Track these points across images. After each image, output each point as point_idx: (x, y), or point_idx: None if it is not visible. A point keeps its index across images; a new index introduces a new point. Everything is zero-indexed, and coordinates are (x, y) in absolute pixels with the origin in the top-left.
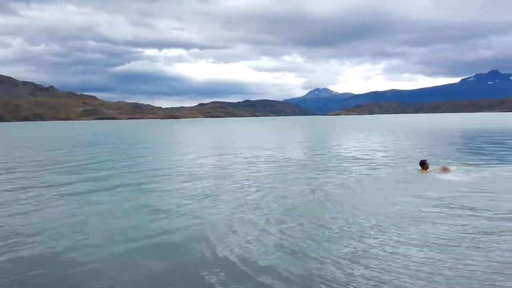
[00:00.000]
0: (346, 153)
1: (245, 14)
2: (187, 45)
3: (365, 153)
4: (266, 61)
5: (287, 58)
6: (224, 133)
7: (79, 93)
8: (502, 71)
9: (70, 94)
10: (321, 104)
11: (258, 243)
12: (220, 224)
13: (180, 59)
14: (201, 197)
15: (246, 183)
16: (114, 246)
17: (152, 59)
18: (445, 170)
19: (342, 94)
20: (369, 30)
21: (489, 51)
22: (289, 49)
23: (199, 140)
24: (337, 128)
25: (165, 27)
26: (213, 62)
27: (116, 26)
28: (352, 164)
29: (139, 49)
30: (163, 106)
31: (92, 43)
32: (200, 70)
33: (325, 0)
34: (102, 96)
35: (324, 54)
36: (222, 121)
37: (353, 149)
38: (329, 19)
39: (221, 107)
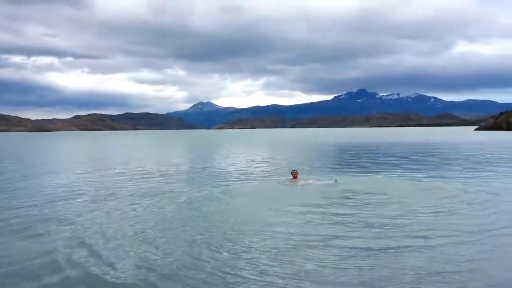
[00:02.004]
0: (225, 165)
1: (123, 24)
2: (59, 53)
3: (244, 165)
4: (147, 73)
5: (168, 71)
6: (98, 147)
7: None
8: (369, 90)
9: None
10: (204, 117)
11: (121, 260)
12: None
13: (51, 68)
14: (69, 218)
15: (118, 200)
16: None
17: (19, 66)
18: (310, 179)
19: (225, 108)
20: (249, 47)
21: (357, 71)
22: (171, 62)
23: (70, 155)
24: (219, 141)
25: (34, 33)
26: (89, 73)
27: None
28: (229, 176)
29: (5, 56)
30: (33, 118)
31: None
32: (74, 80)
33: (206, 15)
34: None
35: (207, 68)
36: (99, 135)
37: (232, 161)
38: (211, 34)
39: (99, 119)
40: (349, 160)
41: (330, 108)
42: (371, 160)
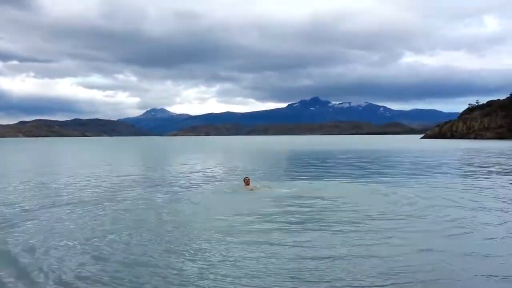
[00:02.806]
0: (177, 172)
1: (72, 28)
2: (3, 57)
3: (197, 172)
4: (97, 79)
5: (120, 76)
6: (43, 154)
7: None
8: (321, 98)
9: None
10: (157, 124)
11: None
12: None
13: None
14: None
15: (58, 209)
16: None
17: None
18: (263, 185)
19: (179, 115)
20: (203, 54)
21: (310, 80)
22: (122, 67)
23: (10, 162)
24: (172, 148)
25: None
26: (35, 77)
27: None
28: (181, 183)
29: None
30: None
31: None
32: (20, 84)
33: (159, 20)
34: None
35: (159, 74)
36: (46, 141)
37: (185, 168)
38: (164, 39)
39: (47, 125)
40: (301, 167)
41: (284, 115)
42: (323, 167)
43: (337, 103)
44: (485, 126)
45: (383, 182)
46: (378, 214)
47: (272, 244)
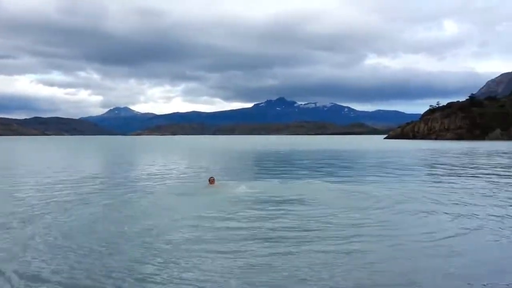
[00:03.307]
0: (141, 171)
1: (31, 23)
2: None
3: (162, 171)
4: (57, 76)
5: (81, 73)
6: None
7: None
8: (287, 99)
9: None
10: (121, 123)
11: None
12: None
13: None
14: None
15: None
16: None
17: None
18: (227, 185)
19: (143, 114)
20: (167, 52)
21: (275, 80)
22: (84, 64)
23: None
24: (137, 148)
25: None
26: None
27: None
28: (145, 182)
29: None
30: None
31: None
32: None
33: (122, 17)
34: None
35: (123, 72)
36: (3, 140)
37: (149, 168)
38: (127, 37)
39: (4, 124)
40: (267, 166)
41: (250, 115)
42: (288, 167)
43: (303, 103)
44: (445, 127)
45: (351, 181)
46: (342, 211)
47: (235, 243)
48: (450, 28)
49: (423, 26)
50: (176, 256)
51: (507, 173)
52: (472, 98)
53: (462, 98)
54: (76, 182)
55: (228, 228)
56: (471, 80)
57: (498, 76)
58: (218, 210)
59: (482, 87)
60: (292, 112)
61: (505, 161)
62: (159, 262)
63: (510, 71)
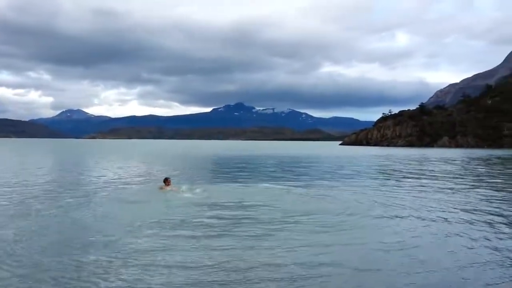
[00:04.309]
0: (94, 175)
1: None
2: None
3: (116, 175)
4: (6, 76)
5: (31, 74)
6: None
7: None
8: (246, 104)
9: None
10: (74, 126)
11: None
12: None
13: None
14: None
15: None
16: None
17: None
18: (182, 187)
19: (97, 116)
20: (123, 54)
21: (234, 85)
22: (35, 64)
23: None
24: (90, 151)
25: None
26: None
27: None
28: (98, 185)
29: None
30: None
31: None
32: None
33: (76, 17)
34: None
35: (76, 73)
36: None
37: (103, 171)
38: (80, 37)
39: None
40: (224, 171)
41: (209, 120)
42: (246, 171)
43: (261, 108)
44: (397, 134)
45: (305, 186)
46: (299, 216)
47: (188, 246)
48: (402, 39)
49: (376, 37)
50: (127, 264)
51: (457, 178)
52: (422, 107)
53: (412, 107)
54: (19, 188)
55: (180, 234)
56: (421, 89)
57: (446, 87)
58: (170, 215)
59: (431, 97)
60: (251, 117)
61: (450, 167)
62: (107, 271)
63: (456, 81)
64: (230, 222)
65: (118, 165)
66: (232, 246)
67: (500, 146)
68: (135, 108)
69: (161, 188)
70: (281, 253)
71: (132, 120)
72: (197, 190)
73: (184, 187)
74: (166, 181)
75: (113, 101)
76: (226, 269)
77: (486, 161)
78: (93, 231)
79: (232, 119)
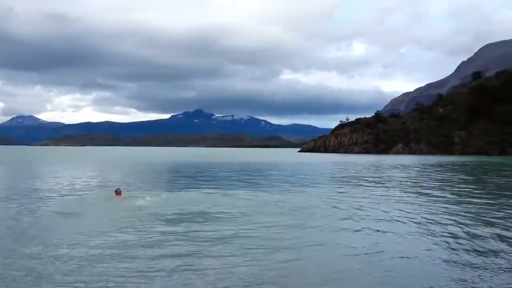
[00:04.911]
0: (45, 185)
1: None
2: None
3: (67, 183)
4: None
5: None
6: None
7: None
8: (205, 111)
9: None
10: (25, 132)
11: None
12: None
13: None
14: None
15: None
16: None
17: None
18: (136, 196)
19: (50, 123)
20: (78, 59)
21: (193, 92)
22: None
23: None
24: (42, 159)
25: None
26: None
27: None
28: (49, 195)
29: None
30: None
31: None
32: None
33: (28, 21)
34: None
35: (27, 78)
36: None
37: (54, 179)
38: (32, 41)
39: None
40: (182, 178)
41: (167, 127)
42: (204, 178)
43: (221, 115)
44: (354, 141)
45: (264, 191)
46: (256, 223)
47: (142, 260)
48: (358, 49)
49: (334, 46)
50: (74, 275)
51: (412, 184)
52: (377, 115)
53: (369, 115)
54: None
55: (132, 243)
56: (377, 98)
57: (400, 95)
58: (121, 224)
59: (387, 105)
60: (210, 124)
61: (405, 174)
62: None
63: (410, 90)
64: (180, 230)
65: (70, 173)
66: (180, 253)
67: (451, 153)
68: (90, 114)
69: (111, 197)
70: (234, 258)
71: (87, 127)
72: (148, 198)
73: (137, 196)
74: (117, 191)
75: (67, 107)
76: (172, 278)
77: (438, 167)
78: (31, 242)
79: (192, 126)
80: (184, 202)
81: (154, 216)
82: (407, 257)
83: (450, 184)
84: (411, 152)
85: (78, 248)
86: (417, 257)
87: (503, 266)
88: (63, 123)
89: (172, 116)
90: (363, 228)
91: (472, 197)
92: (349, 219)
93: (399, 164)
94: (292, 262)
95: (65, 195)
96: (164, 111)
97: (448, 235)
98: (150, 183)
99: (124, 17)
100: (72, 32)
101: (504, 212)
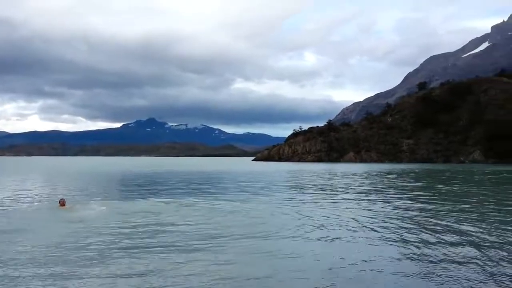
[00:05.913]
0: None
1: None
2: None
3: (9, 194)
4: None
5: None
6: None
7: None
8: (158, 120)
9: None
10: None
11: None
12: None
13: None
14: None
15: None
16: None
17: None
18: (79, 207)
19: None
20: (22, 66)
21: (145, 100)
22: None
23: None
24: None
25: None
26: None
27: None
28: None
29: None
30: None
31: None
32: None
33: None
34: None
35: None
36: None
37: None
38: None
39: None
40: (127, 188)
41: (118, 136)
42: (155, 188)
43: (174, 124)
44: (307, 150)
45: (218, 199)
46: (207, 231)
47: (80, 266)
48: (310, 58)
49: (286, 55)
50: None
51: (363, 190)
52: (329, 123)
53: (321, 123)
54: None
55: (69, 258)
56: (328, 107)
57: (351, 105)
58: (60, 238)
59: (338, 114)
60: (163, 133)
61: (356, 181)
62: None
63: (360, 100)
64: (123, 243)
65: (14, 184)
66: (120, 268)
67: (399, 160)
68: (37, 123)
69: (55, 208)
70: (184, 269)
71: (33, 136)
72: (93, 208)
73: (79, 206)
74: (61, 202)
75: (11, 115)
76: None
77: (388, 175)
78: None
79: (144, 135)
80: (132, 212)
81: (96, 228)
82: (352, 264)
83: (402, 190)
84: (362, 160)
85: (9, 267)
86: (365, 261)
87: (450, 272)
88: (7, 132)
89: (123, 125)
90: (320, 237)
91: (422, 202)
92: (303, 227)
93: (351, 172)
94: (245, 272)
95: (7, 206)
96: (115, 119)
97: (398, 239)
98: (96, 193)
99: (72, 24)
100: (15, 37)
101: (454, 217)
